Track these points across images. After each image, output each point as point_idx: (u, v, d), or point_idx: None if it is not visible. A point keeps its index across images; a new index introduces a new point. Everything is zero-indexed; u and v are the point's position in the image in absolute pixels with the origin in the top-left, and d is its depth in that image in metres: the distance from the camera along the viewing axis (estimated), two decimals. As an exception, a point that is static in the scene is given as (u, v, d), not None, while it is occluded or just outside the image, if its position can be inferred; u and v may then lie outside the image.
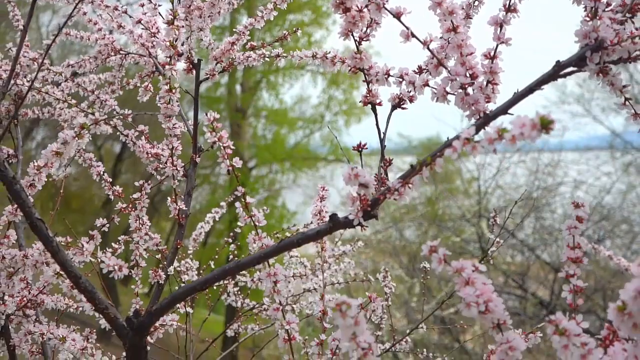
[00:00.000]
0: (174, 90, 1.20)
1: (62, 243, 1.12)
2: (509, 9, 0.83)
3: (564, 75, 0.77)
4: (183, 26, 1.20)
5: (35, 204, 1.04)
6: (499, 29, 0.83)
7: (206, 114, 1.00)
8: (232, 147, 1.01)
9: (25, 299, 1.23)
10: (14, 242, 1.17)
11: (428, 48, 0.88)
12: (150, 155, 1.39)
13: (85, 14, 1.54)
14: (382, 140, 0.93)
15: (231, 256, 2.14)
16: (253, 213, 1.00)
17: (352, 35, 0.91)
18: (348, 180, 0.78)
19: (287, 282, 1.23)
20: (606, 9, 0.77)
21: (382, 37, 1.04)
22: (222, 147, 1.01)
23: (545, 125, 0.56)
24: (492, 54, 0.84)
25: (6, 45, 1.60)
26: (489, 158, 8.57)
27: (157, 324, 1.34)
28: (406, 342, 1.95)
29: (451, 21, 0.84)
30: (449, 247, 5.92)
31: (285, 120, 11.55)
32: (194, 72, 1.43)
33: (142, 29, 1.36)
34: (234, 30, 1.46)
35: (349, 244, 2.40)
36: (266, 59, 1.45)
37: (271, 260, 0.96)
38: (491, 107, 0.83)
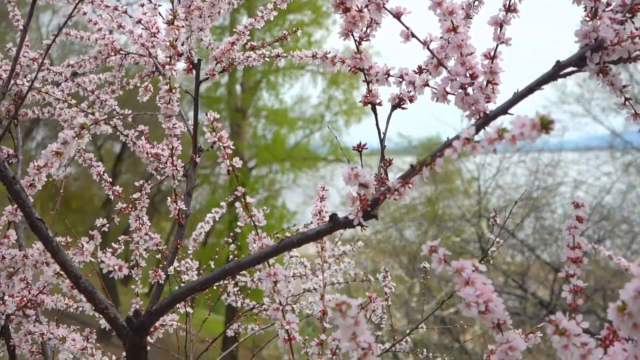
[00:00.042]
0: (174, 90, 1.20)
1: (62, 243, 1.12)
2: (509, 9, 0.83)
3: (564, 75, 0.77)
4: (183, 26, 1.20)
5: (35, 204, 1.04)
6: (499, 29, 0.83)
7: (206, 114, 1.00)
8: (232, 147, 1.01)
9: (25, 299, 1.23)
10: (14, 242, 1.17)
11: (428, 48, 0.88)
12: (150, 155, 1.39)
13: (85, 14, 1.54)
14: (382, 140, 0.93)
15: (231, 256, 2.14)
16: (253, 213, 1.00)
17: (352, 35, 0.91)
18: (348, 180, 0.78)
19: (287, 282, 1.23)
20: (606, 9, 0.77)
21: (382, 37, 1.04)
22: (222, 147, 1.01)
23: (545, 125, 0.56)
24: (492, 54, 0.84)
25: (6, 45, 1.60)
26: (489, 158, 8.58)
27: (157, 324, 1.34)
28: (406, 342, 1.95)
29: (451, 21, 0.84)
30: (449, 247, 5.92)
31: (285, 120, 11.55)
32: (194, 72, 1.43)
33: (142, 29, 1.36)
34: (234, 30, 1.46)
35: (349, 244, 2.40)
36: (266, 59, 1.45)
37: (271, 260, 0.96)
38: (491, 107, 0.83)
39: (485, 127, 0.82)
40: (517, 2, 0.83)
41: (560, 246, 7.27)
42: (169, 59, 1.19)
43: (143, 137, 1.43)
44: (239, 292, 2.13)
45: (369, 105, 0.96)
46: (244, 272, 2.10)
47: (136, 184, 1.28)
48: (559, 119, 8.91)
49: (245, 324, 2.12)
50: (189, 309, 1.80)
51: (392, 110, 0.94)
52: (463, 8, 0.89)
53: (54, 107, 1.70)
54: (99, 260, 1.15)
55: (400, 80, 0.92)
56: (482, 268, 0.67)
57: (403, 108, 0.94)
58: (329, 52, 1.24)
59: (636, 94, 7.92)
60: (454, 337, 6.78)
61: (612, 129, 8.70)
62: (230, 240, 2.18)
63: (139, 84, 1.64)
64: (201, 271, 1.94)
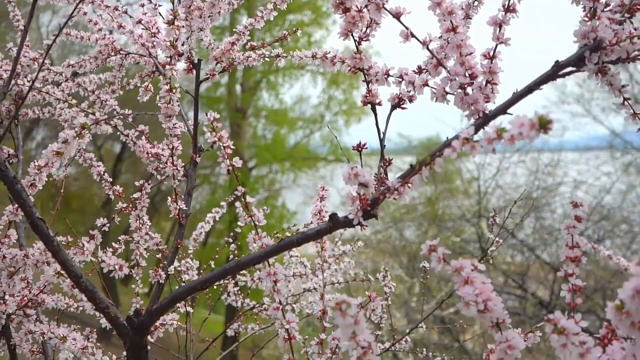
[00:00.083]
0: (174, 90, 1.20)
1: (63, 243, 1.12)
2: (508, 9, 0.83)
3: (563, 75, 0.78)
4: (183, 26, 1.20)
5: (35, 204, 1.04)
6: (498, 29, 0.84)
7: (206, 114, 1.00)
8: (232, 147, 1.01)
9: (25, 298, 1.23)
10: (15, 241, 1.18)
11: (427, 48, 0.88)
12: (150, 155, 1.40)
13: (85, 14, 1.54)
14: (381, 140, 0.93)
15: (231, 256, 2.14)
16: (253, 213, 1.00)
17: (352, 35, 0.91)
18: (348, 179, 0.78)
19: (287, 282, 1.23)
20: (605, 9, 0.77)
21: (382, 37, 1.05)
22: (222, 147, 1.01)
23: (543, 125, 0.56)
24: (491, 54, 0.84)
25: (7, 45, 1.60)
26: (488, 158, 8.58)
27: (157, 323, 1.34)
28: (406, 341, 1.96)
29: (450, 21, 0.84)
30: (449, 247, 5.91)
31: (285, 120, 11.56)
32: (194, 72, 1.43)
33: (143, 29, 1.36)
34: (234, 30, 1.46)
35: (349, 243, 2.41)
36: (266, 59, 1.45)
37: (271, 260, 0.96)
38: (490, 107, 0.83)
39: (485, 127, 0.82)
40: (517, 2, 0.83)
41: (560, 246, 7.26)
42: (169, 59, 1.20)
43: (143, 137, 1.44)
44: (239, 292, 2.14)
45: (369, 105, 0.97)
46: (244, 271, 2.10)
47: (136, 183, 1.28)
48: (558, 119, 8.92)
49: (245, 324, 2.12)
50: (189, 309, 1.81)
51: (391, 110, 0.95)
52: (462, 8, 0.90)
53: (55, 107, 1.70)
54: (100, 259, 1.16)
55: (400, 80, 0.93)
56: (481, 267, 0.67)
57: (403, 108, 0.95)
58: (329, 52, 1.24)
59: (636, 93, 7.94)
60: (453, 337, 6.78)
61: (612, 129, 8.71)
62: (230, 240, 2.19)
63: (139, 84, 1.65)
64: (201, 271, 1.94)
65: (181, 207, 1.29)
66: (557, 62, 0.78)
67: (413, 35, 0.88)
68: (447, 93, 0.87)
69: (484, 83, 0.83)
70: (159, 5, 1.38)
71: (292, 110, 11.83)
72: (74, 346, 1.11)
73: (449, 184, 9.75)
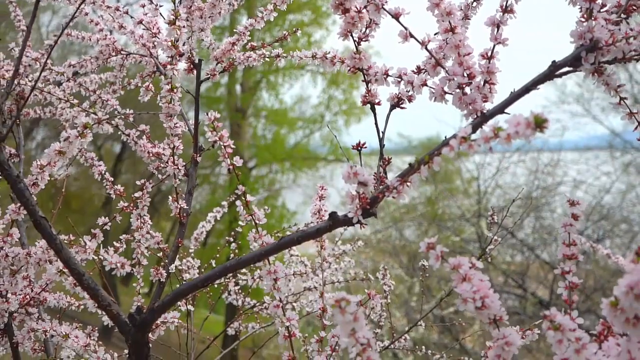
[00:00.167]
0: (175, 90, 1.21)
1: (65, 241, 1.13)
2: (506, 9, 0.84)
3: (560, 75, 0.79)
4: (184, 26, 1.21)
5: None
6: (496, 29, 0.85)
7: (207, 114, 1.01)
8: (233, 146, 1.02)
9: (28, 296, 1.24)
10: (17, 240, 1.19)
11: (426, 48, 0.89)
12: (151, 155, 1.40)
13: (87, 14, 1.55)
14: (380, 140, 0.94)
15: (232, 255, 2.15)
16: (253, 211, 1.01)
17: (352, 35, 0.92)
18: (347, 178, 0.79)
19: (287, 280, 1.24)
20: (601, 10, 0.78)
21: (382, 37, 1.06)
22: (222, 147, 1.02)
23: (539, 123, 0.57)
24: (489, 54, 0.85)
25: (9, 45, 1.61)
26: (488, 158, 8.60)
27: (158, 322, 1.35)
28: (405, 340, 1.97)
29: (449, 22, 0.85)
30: (449, 247, 5.93)
31: (285, 120, 11.57)
32: (195, 72, 1.44)
33: (143, 29, 1.37)
34: (234, 30, 1.47)
35: (349, 243, 2.42)
36: (266, 59, 1.46)
37: (271, 259, 0.97)
38: (488, 106, 0.84)
39: (482, 126, 0.83)
40: (514, 3, 0.84)
41: (559, 245, 7.26)
42: (170, 59, 1.21)
43: (144, 137, 1.44)
44: (240, 291, 2.15)
45: (368, 105, 0.98)
46: (244, 270, 2.11)
47: (138, 183, 1.29)
48: (558, 119, 8.93)
49: (246, 323, 2.14)
50: (190, 307, 1.82)
51: (390, 110, 0.96)
52: (461, 9, 0.91)
53: (56, 107, 1.71)
54: (101, 258, 1.16)
55: (399, 80, 0.94)
56: (479, 265, 0.68)
57: (402, 107, 0.95)
58: (329, 52, 1.25)
59: (636, 93, 7.94)
60: (453, 337, 6.79)
61: (611, 128, 8.72)
62: (231, 239, 2.20)
63: (139, 84, 1.66)
64: (202, 270, 1.95)
65: (182, 206, 1.30)
66: (554, 62, 0.79)
67: (412, 36, 0.89)
68: (445, 93, 0.88)
69: (482, 83, 0.84)
70: (160, 6, 1.39)
71: (292, 110, 11.84)
72: (76, 344, 1.12)
73: (448, 183, 9.77)
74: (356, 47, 0.94)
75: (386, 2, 0.87)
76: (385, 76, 0.94)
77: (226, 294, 2.15)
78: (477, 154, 0.73)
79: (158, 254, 1.37)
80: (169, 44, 1.20)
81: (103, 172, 1.41)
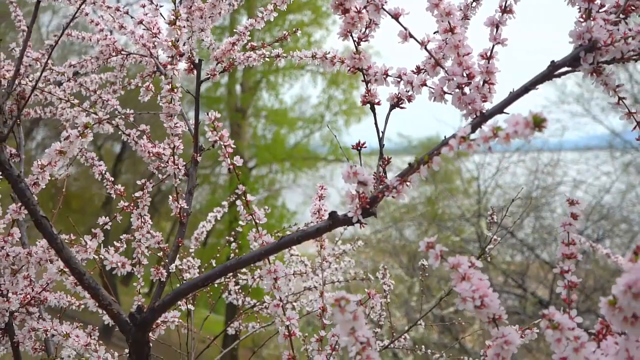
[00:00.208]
0: (175, 90, 1.21)
1: (65, 241, 1.13)
2: (505, 10, 0.84)
3: (559, 75, 0.79)
4: (185, 26, 1.21)
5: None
6: (495, 29, 0.85)
7: (207, 114, 1.02)
8: (233, 146, 1.02)
9: (28, 296, 1.24)
10: (18, 240, 1.19)
11: (426, 48, 0.89)
12: (152, 155, 1.41)
13: (87, 14, 1.56)
14: (380, 139, 0.94)
15: (232, 255, 2.15)
16: (253, 211, 1.02)
17: (351, 35, 0.92)
18: (347, 178, 0.79)
19: (287, 280, 1.24)
20: (600, 10, 0.78)
21: (382, 37, 1.06)
22: (223, 146, 1.02)
23: (538, 123, 0.57)
24: (488, 54, 0.85)
25: (9, 45, 1.61)
26: (488, 158, 8.60)
27: (159, 321, 1.35)
28: (405, 339, 1.97)
29: (448, 22, 0.85)
30: (449, 247, 5.94)
31: (285, 120, 11.57)
32: (195, 72, 1.44)
33: (144, 29, 1.38)
34: (235, 30, 1.47)
35: (349, 243, 2.42)
36: (266, 59, 1.46)
37: (271, 258, 0.98)
38: (488, 106, 0.84)
39: (482, 126, 0.83)
40: (513, 3, 0.84)
41: (559, 245, 7.26)
42: (170, 59, 1.21)
43: (145, 137, 1.45)
44: (240, 290, 2.15)
45: (368, 105, 0.98)
46: (244, 270, 2.12)
47: (138, 182, 1.29)
48: (558, 119, 8.94)
49: (246, 322, 2.14)
50: (190, 307, 1.82)
51: (390, 110, 0.96)
52: (461, 9, 0.91)
53: (56, 107, 1.71)
54: (102, 257, 1.17)
55: (399, 80, 0.94)
56: (478, 264, 0.68)
57: (401, 107, 0.96)
58: (329, 52, 1.25)
59: (635, 93, 7.94)
60: (453, 337, 6.80)
61: (611, 128, 8.72)
62: (231, 239, 2.20)
63: (140, 84, 1.66)
64: (202, 269, 1.96)
65: (182, 205, 1.30)
66: (552, 62, 0.79)
67: (411, 36, 0.89)
68: (445, 93, 0.88)
69: (481, 83, 0.84)
70: (160, 6, 1.39)
71: (292, 110, 11.85)
72: (77, 343, 1.13)
73: (448, 183, 9.77)
74: (356, 47, 0.94)
75: (386, 2, 0.88)
76: (384, 76, 0.94)
77: (226, 294, 2.15)
78: (476, 153, 0.74)
79: (158, 254, 1.37)
80: (169, 44, 1.20)
81: (103, 171, 1.41)
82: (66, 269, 1.10)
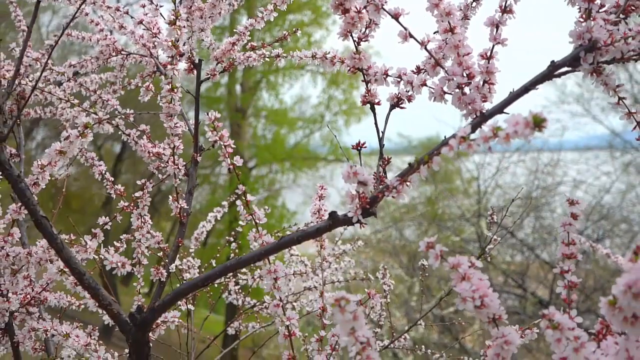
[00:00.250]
0: (176, 90, 1.21)
1: (65, 241, 1.13)
2: (505, 10, 0.84)
3: (559, 75, 0.79)
4: (185, 26, 1.21)
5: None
6: (495, 29, 0.85)
7: (207, 114, 1.02)
8: (233, 146, 1.02)
9: (28, 296, 1.24)
10: (18, 240, 1.19)
11: (425, 48, 0.89)
12: (152, 155, 1.41)
13: (87, 14, 1.56)
14: (380, 139, 0.94)
15: (232, 255, 2.15)
16: (253, 211, 1.02)
17: (351, 35, 0.92)
18: (347, 178, 0.79)
19: (287, 280, 1.24)
20: (600, 10, 0.78)
21: (382, 37, 1.06)
22: (223, 146, 1.02)
23: (537, 123, 0.57)
24: (488, 54, 0.85)
25: (9, 45, 1.61)
26: (488, 158, 8.61)
27: (159, 321, 1.35)
28: (405, 339, 1.97)
29: (448, 22, 0.85)
30: (449, 247, 5.95)
31: (285, 120, 11.57)
32: (195, 72, 1.44)
33: (144, 29, 1.38)
34: (235, 30, 1.47)
35: (349, 243, 2.42)
36: (266, 59, 1.46)
37: (271, 258, 0.98)
38: (488, 106, 0.84)
39: (482, 126, 0.83)
40: (513, 3, 0.84)
41: (559, 245, 7.26)
42: (170, 59, 1.21)
43: (145, 137, 1.45)
44: (240, 290, 2.15)
45: (368, 105, 0.98)
46: (244, 270, 2.12)
47: (138, 182, 1.30)
48: (558, 119, 8.94)
49: (246, 322, 2.14)
50: (190, 307, 1.82)
51: (390, 110, 0.96)
52: (461, 9, 0.91)
53: (56, 107, 1.71)
54: (102, 257, 1.17)
55: (399, 80, 0.94)
56: (478, 264, 0.68)
57: (401, 107, 0.96)
58: (329, 52, 1.25)
59: (636, 93, 7.94)
60: (453, 336, 6.80)
61: (611, 128, 8.72)
62: (231, 239, 2.20)
63: (140, 84, 1.66)
64: (202, 269, 1.96)
65: (182, 205, 1.31)
66: (552, 62, 0.79)
67: (411, 36, 0.89)
68: (445, 93, 0.88)
69: (481, 83, 0.84)
70: (160, 6, 1.39)
71: (292, 110, 11.85)
72: (77, 343, 1.13)
73: (448, 183, 9.77)
74: (356, 47, 0.94)
75: (386, 2, 0.88)
76: (384, 76, 0.94)
77: (226, 294, 2.15)
78: (476, 153, 0.74)
79: (158, 254, 1.37)
80: (169, 44, 1.20)
81: (103, 172, 1.41)
82: (66, 269, 1.10)
